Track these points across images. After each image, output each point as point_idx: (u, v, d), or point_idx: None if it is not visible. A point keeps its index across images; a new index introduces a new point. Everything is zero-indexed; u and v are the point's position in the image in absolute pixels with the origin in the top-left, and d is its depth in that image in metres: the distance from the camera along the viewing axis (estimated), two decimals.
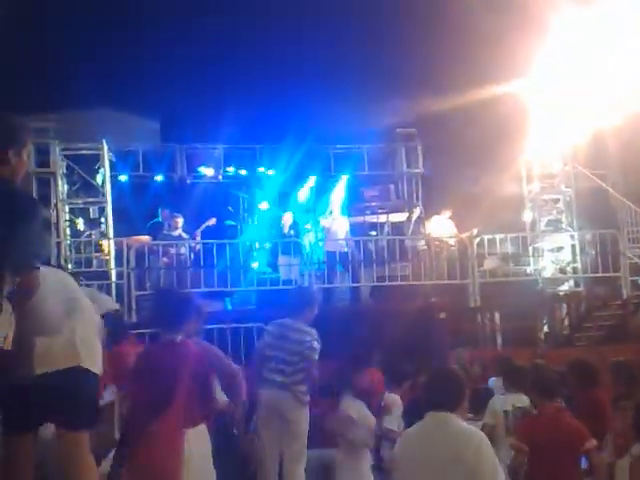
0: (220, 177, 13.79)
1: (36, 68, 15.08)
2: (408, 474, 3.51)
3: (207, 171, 13.74)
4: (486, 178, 12.34)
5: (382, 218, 12.37)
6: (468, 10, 12.32)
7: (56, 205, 12.30)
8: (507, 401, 5.68)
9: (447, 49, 13.25)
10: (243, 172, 13.87)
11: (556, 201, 12.61)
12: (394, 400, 6.38)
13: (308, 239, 11.76)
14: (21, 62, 14.85)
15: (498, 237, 11.08)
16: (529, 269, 11.92)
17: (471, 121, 12.59)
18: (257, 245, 12.08)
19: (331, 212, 11.65)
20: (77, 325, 2.92)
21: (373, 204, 12.80)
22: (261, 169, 13.90)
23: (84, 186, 12.77)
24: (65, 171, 12.61)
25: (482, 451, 3.33)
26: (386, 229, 11.99)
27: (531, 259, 11.95)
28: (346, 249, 10.71)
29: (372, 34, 15.31)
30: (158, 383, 3.61)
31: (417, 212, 12.21)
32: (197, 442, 3.67)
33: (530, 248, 11.95)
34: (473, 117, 12.40)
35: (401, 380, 6.67)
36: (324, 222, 11.50)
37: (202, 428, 3.74)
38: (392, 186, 13.39)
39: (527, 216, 12.66)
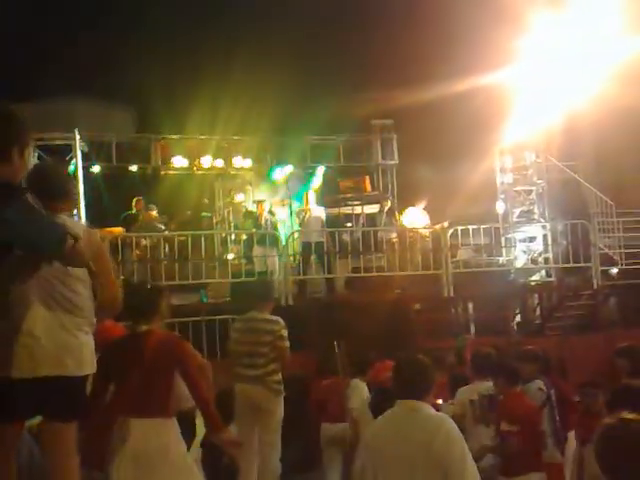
0: (195, 168, 13.70)
1: (8, 56, 14.82)
2: (379, 462, 3.53)
3: (182, 162, 13.63)
4: (460, 170, 12.45)
5: (357, 210, 12.41)
6: (445, 2, 12.38)
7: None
8: (473, 390, 5.77)
9: (423, 41, 13.31)
10: (219, 163, 13.80)
11: (529, 192, 12.76)
12: (357, 385, 6.51)
13: (283, 230, 11.77)
14: None
15: (471, 228, 11.19)
16: (502, 260, 12.08)
17: (446, 113, 12.67)
18: (232, 236, 12.04)
19: (304, 203, 11.67)
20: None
21: (348, 195, 12.82)
22: (236, 159, 13.83)
23: None
24: (37, 161, 12.42)
25: (451, 437, 3.37)
26: (361, 220, 12.03)
27: (503, 250, 12.10)
28: (322, 239, 10.71)
29: (349, 23, 15.32)
30: (120, 372, 3.73)
31: (388, 204, 12.26)
32: (161, 434, 3.73)
33: (503, 239, 12.10)
34: (448, 109, 12.48)
35: (365, 367, 6.77)
36: (299, 213, 11.52)
37: (165, 421, 3.77)
38: (367, 177, 13.43)
39: (500, 207, 12.80)
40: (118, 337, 4.04)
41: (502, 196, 12.80)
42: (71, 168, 12.42)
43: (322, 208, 11.85)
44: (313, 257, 11.00)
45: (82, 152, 12.37)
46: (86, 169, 12.55)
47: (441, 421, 3.47)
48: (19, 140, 2.64)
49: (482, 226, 11.29)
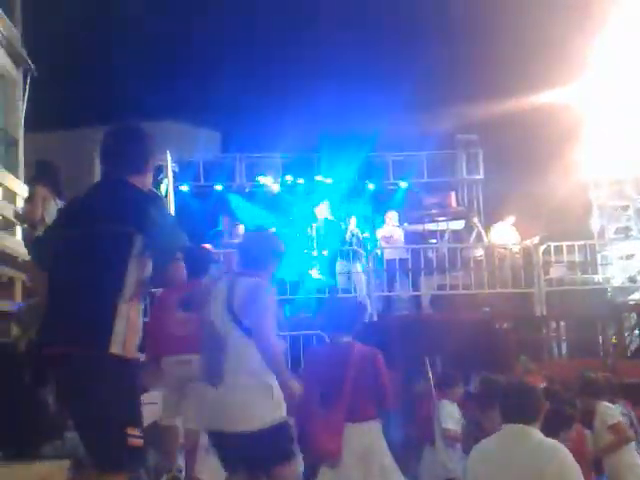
0: (278, 186, 13.87)
1: (103, 82, 15.59)
2: None
3: (266, 180, 13.85)
4: (550, 184, 11.99)
5: (442, 226, 12.14)
6: (529, 14, 12.08)
7: None
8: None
9: (508, 53, 13.01)
10: (301, 181, 13.92)
11: (625, 208, 12.14)
12: (446, 405, 6.30)
13: (367, 247, 11.64)
14: (88, 76, 15.38)
15: (565, 244, 10.70)
16: (597, 278, 11.48)
17: (535, 125, 12.28)
18: (315, 253, 12.04)
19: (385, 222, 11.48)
20: None
21: (433, 212, 12.58)
22: (319, 177, 13.91)
23: None
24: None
25: (566, 466, 3.19)
26: (446, 237, 11.75)
27: (599, 267, 11.51)
28: (407, 256, 10.50)
29: (432, 39, 15.18)
30: (330, 379, 4.11)
31: (475, 220, 11.93)
32: (373, 436, 4.13)
33: (598, 256, 11.52)
34: (537, 121, 12.10)
35: (453, 386, 6.52)
36: (382, 232, 11.32)
37: (376, 424, 4.18)
38: (452, 193, 13.15)
39: (595, 223, 12.22)
40: (324, 348, 4.54)
41: (597, 211, 12.22)
42: (163, 188, 12.83)
43: (401, 227, 11.59)
44: (397, 273, 10.81)
45: (173, 172, 12.76)
46: (175, 188, 12.94)
47: (555, 448, 3.28)
48: (151, 155, 3.01)
49: (576, 243, 10.79)
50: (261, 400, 3.29)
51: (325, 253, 11.82)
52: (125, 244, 2.69)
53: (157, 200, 2.99)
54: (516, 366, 8.08)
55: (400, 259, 10.59)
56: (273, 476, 3.36)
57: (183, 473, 4.66)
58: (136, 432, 2.59)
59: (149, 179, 2.98)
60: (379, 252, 11.02)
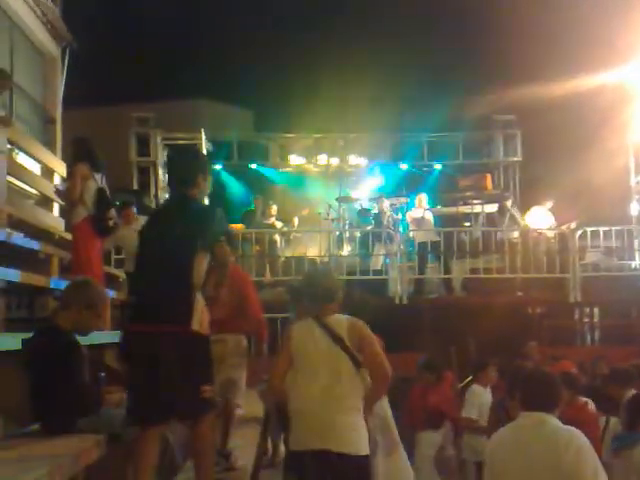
0: (312, 166, 13.85)
1: (137, 60, 15.67)
2: (500, 474, 3.38)
3: (298, 160, 13.83)
4: (589, 168, 11.73)
5: (476, 208, 12.00)
6: None
7: (156, 193, 12.73)
8: None
9: (548, 32, 12.71)
10: (334, 161, 13.87)
11: None
12: (475, 391, 6.25)
13: (400, 229, 11.57)
14: (122, 54, 15.48)
15: (602, 229, 10.49)
16: (634, 264, 11.25)
17: (574, 107, 11.99)
18: (347, 234, 12.03)
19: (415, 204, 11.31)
20: None
21: (467, 194, 12.42)
22: (352, 158, 13.84)
23: None
24: (165, 160, 13.02)
25: (583, 453, 3.17)
26: (481, 220, 11.61)
27: (637, 253, 11.27)
28: (438, 239, 10.41)
29: (469, 18, 14.89)
30: None
31: (510, 203, 11.75)
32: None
33: (636, 242, 11.27)
34: (577, 104, 11.81)
35: (484, 369, 6.45)
36: (413, 214, 11.18)
37: None
38: (488, 175, 12.96)
39: (634, 209, 11.94)
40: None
41: (637, 197, 11.93)
42: None
43: (428, 212, 11.37)
44: (429, 256, 10.73)
45: (207, 151, 12.84)
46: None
47: (572, 436, 3.25)
48: (202, 170, 3.71)
49: (614, 228, 10.56)
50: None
51: (356, 235, 11.81)
52: (190, 244, 3.43)
53: (208, 207, 3.84)
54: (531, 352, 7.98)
55: (432, 242, 10.50)
56: None
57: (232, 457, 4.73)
58: (210, 388, 3.41)
59: (205, 186, 3.71)
60: (411, 235, 10.95)
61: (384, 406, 4.31)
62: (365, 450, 3.45)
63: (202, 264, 3.45)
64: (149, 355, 3.30)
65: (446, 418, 6.26)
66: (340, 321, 3.56)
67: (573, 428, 3.42)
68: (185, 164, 3.82)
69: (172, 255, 3.41)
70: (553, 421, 3.31)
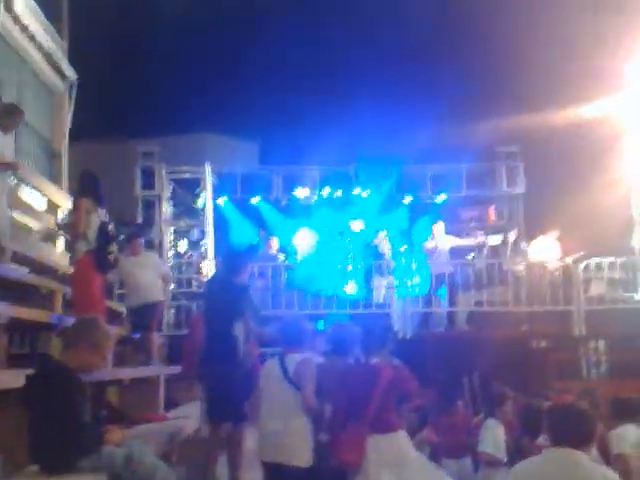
0: (315, 198, 13.89)
1: (142, 94, 15.86)
2: None
3: (302, 192, 13.87)
4: (593, 198, 11.74)
5: (480, 238, 11.96)
6: (570, 26, 11.89)
7: (160, 227, 12.75)
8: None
9: (548, 64, 12.83)
10: (338, 193, 13.91)
11: None
12: (490, 425, 6.16)
13: (404, 261, 11.52)
14: (126, 89, 15.67)
15: (606, 261, 10.44)
16: (637, 296, 11.17)
17: (576, 138, 12.04)
18: (350, 267, 12.01)
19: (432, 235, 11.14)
20: None
21: (471, 225, 12.41)
22: (356, 190, 13.88)
23: (187, 209, 13.20)
24: (170, 194, 13.09)
25: None
26: (485, 252, 11.57)
27: None
28: (453, 270, 10.24)
29: (470, 50, 15.06)
30: (357, 398, 4.37)
31: (513, 235, 11.70)
32: (401, 443, 4.36)
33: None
34: (578, 134, 11.86)
35: (502, 404, 6.38)
36: (428, 244, 10.96)
37: (403, 433, 4.43)
38: (492, 207, 12.94)
39: (637, 239, 11.90)
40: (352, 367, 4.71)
41: (639, 228, 11.88)
42: (201, 201, 12.96)
43: (451, 237, 11.18)
44: (442, 288, 10.53)
45: (212, 184, 12.89)
46: (213, 200, 13.08)
47: (605, 475, 3.16)
48: (244, 265, 5.55)
49: (618, 259, 10.53)
50: None
51: (359, 267, 11.78)
52: (234, 315, 5.12)
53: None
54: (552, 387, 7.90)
55: (449, 274, 10.34)
56: None
57: None
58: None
59: (246, 274, 5.44)
60: (414, 266, 10.87)
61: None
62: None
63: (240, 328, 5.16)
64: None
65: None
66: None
67: (605, 468, 3.33)
68: (231, 257, 5.59)
69: (226, 321, 5.20)
70: (583, 458, 3.16)
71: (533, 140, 12.75)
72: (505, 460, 5.66)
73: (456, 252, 11.16)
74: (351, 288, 11.46)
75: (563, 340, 10.25)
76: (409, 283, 10.29)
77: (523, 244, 11.13)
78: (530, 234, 12.34)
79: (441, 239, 10.88)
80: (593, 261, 10.34)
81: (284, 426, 4.40)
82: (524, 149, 13.63)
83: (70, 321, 4.97)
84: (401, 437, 4.38)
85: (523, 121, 12.27)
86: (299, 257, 12.02)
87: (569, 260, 10.60)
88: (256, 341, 5.57)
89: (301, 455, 4.37)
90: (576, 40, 11.70)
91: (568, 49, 12.15)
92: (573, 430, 3.21)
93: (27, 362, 4.65)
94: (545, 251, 11.19)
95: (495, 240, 11.78)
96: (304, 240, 12.58)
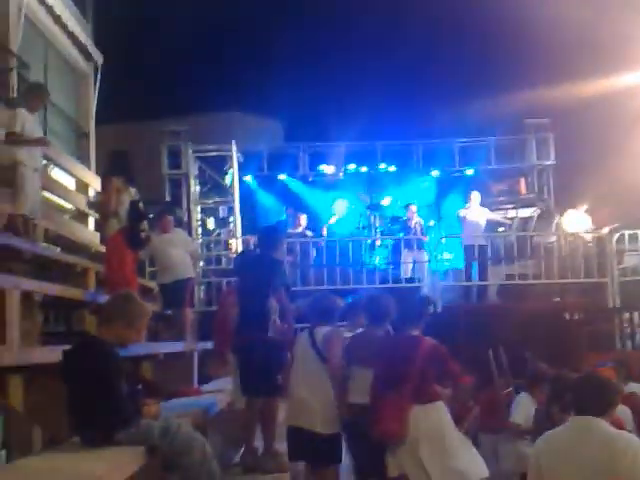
0: (341, 174, 13.82)
1: (168, 74, 15.87)
2: (550, 479, 3.31)
3: (328, 169, 13.82)
4: (626, 169, 11.48)
5: (510, 213, 11.80)
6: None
7: (188, 206, 12.82)
8: None
9: (579, 33, 12.50)
10: (364, 169, 13.83)
11: None
12: (522, 400, 6.11)
13: (433, 235, 11.41)
14: (154, 68, 15.68)
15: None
16: None
17: (608, 108, 11.75)
18: (379, 242, 11.95)
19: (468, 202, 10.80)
20: None
21: (501, 199, 12.24)
22: (382, 165, 13.78)
23: (214, 187, 13.24)
24: (197, 172, 13.13)
25: None
26: (515, 225, 11.40)
27: None
28: (485, 243, 10.09)
29: (498, 21, 14.73)
30: (397, 369, 4.36)
31: (545, 207, 11.49)
32: (441, 414, 4.32)
33: None
34: (610, 104, 11.57)
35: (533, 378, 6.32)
36: (461, 212, 10.68)
37: (441, 404, 4.38)
38: (522, 179, 12.74)
39: None
40: (393, 338, 4.78)
41: None
42: (228, 179, 12.99)
43: (486, 209, 10.94)
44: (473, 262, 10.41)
45: (237, 162, 12.90)
46: (240, 178, 13.10)
47: (628, 441, 3.16)
48: (279, 240, 5.35)
49: None
50: None
51: (389, 242, 11.72)
52: (266, 282, 5.04)
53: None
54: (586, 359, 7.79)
55: (479, 246, 10.19)
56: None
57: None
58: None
59: (282, 249, 5.38)
60: (443, 240, 10.78)
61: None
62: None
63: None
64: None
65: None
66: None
67: (627, 433, 3.39)
68: (266, 234, 5.43)
69: (258, 288, 5.10)
70: (605, 426, 3.24)
71: (563, 112, 12.50)
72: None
73: (488, 225, 11.02)
74: (380, 263, 11.42)
75: (597, 312, 10.11)
76: (439, 257, 10.18)
77: (555, 216, 10.90)
78: (561, 206, 12.14)
79: (477, 209, 10.70)
80: (627, 232, 10.13)
81: (310, 394, 4.54)
82: (554, 121, 13.38)
83: (103, 298, 5.04)
84: (440, 408, 4.36)
85: (553, 92, 12.02)
86: (324, 232, 11.97)
87: (604, 231, 10.40)
88: (291, 316, 5.49)
89: (324, 422, 4.49)
90: (609, 7, 11.37)
91: (599, 17, 11.82)
92: (594, 399, 3.32)
93: (62, 339, 4.71)
94: (577, 223, 11.00)
95: (526, 213, 11.60)
96: (340, 209, 12.56)
